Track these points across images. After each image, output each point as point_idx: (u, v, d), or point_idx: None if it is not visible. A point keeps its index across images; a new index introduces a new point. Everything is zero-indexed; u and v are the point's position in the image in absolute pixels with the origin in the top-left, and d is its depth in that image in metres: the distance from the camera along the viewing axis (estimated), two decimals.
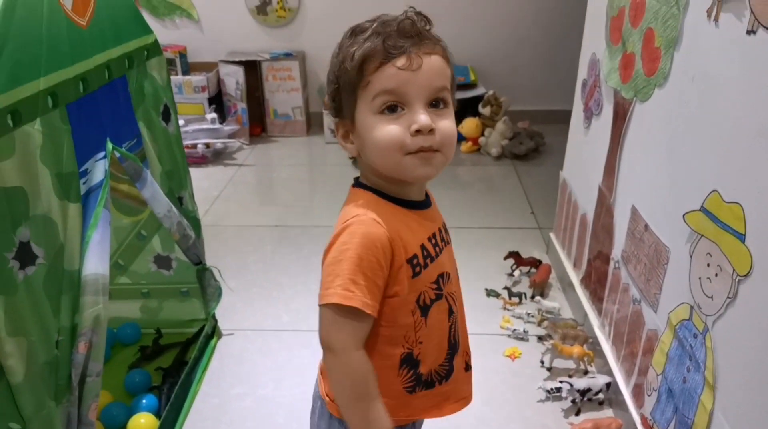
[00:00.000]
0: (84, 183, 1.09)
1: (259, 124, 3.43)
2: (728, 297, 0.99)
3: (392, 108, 0.75)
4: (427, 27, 0.79)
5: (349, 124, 0.80)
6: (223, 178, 2.94)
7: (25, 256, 0.92)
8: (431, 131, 0.75)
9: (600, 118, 1.67)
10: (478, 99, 3.15)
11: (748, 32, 0.95)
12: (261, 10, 3.31)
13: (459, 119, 3.15)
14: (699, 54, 1.13)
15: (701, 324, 1.08)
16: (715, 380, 1.02)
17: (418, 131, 0.74)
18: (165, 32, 3.33)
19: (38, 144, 0.94)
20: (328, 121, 3.26)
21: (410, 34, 0.75)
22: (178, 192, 1.53)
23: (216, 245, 2.17)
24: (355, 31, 0.78)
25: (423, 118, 0.74)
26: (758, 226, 0.92)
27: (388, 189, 0.81)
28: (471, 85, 3.20)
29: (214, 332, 1.79)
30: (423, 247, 0.81)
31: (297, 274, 2.13)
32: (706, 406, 1.04)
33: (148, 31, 1.36)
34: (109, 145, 1.16)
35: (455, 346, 0.87)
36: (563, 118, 3.31)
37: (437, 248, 0.83)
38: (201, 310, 1.77)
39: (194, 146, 3.01)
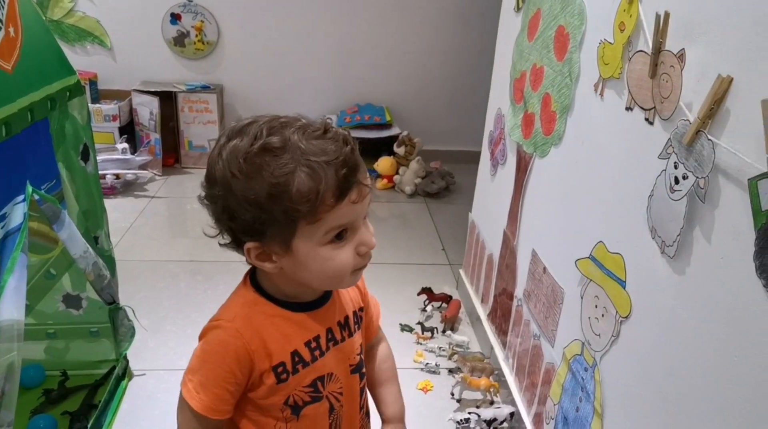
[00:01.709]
0: (2, 227, 1.07)
1: (172, 155, 3.37)
2: (612, 336, 1.13)
3: (340, 235, 0.74)
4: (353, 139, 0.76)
5: (276, 248, 0.74)
6: (134, 209, 2.86)
7: None
8: None
9: (505, 167, 1.83)
10: (393, 138, 3.29)
11: (627, 108, 1.12)
12: (178, 42, 3.30)
13: (375, 157, 3.28)
14: (588, 121, 1.29)
15: (591, 359, 1.22)
16: (603, 410, 1.16)
17: (365, 252, 0.76)
18: (75, 57, 3.22)
19: None
20: None
21: (356, 163, 0.73)
22: (95, 231, 1.51)
23: (127, 281, 2.10)
24: (268, 149, 0.70)
25: (372, 239, 0.76)
26: (636, 275, 1.07)
27: (284, 294, 0.81)
28: (387, 125, 3.34)
29: (125, 373, 1.74)
30: (295, 353, 0.80)
31: (212, 311, 2.06)
32: None
33: (71, 71, 1.36)
34: (29, 189, 1.14)
35: None
36: (472, 158, 3.53)
37: (317, 352, 0.82)
38: (111, 350, 1.73)
39: (103, 177, 2.91)
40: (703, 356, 0.87)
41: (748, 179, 0.76)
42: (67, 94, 1.33)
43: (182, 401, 0.80)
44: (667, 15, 0.96)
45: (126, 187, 3.02)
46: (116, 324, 1.65)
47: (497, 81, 1.96)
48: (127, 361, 1.75)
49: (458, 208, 3.07)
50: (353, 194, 0.72)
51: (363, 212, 0.76)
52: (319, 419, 0.84)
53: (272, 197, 0.69)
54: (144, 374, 1.78)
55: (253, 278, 0.84)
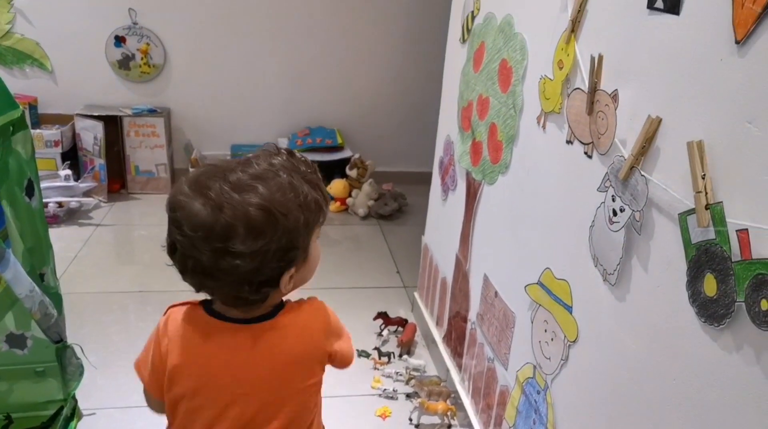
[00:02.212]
0: None
1: (118, 181, 3.29)
2: (562, 359, 1.18)
3: None
4: None
5: (300, 262, 0.82)
6: (78, 238, 2.77)
7: None
8: None
9: (455, 193, 1.88)
10: (345, 161, 3.32)
11: (567, 142, 1.18)
12: (123, 65, 3.24)
13: (328, 180, 3.30)
14: (532, 151, 1.35)
15: (543, 382, 1.26)
16: None
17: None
18: (12, 81, 3.11)
19: None
20: None
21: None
22: (40, 268, 1.46)
23: (72, 315, 2.01)
24: (278, 171, 0.79)
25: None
26: (582, 300, 1.12)
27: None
28: (338, 148, 3.37)
29: (74, 413, 1.68)
30: None
31: None
32: None
33: (14, 105, 1.32)
34: None
35: None
36: (423, 179, 3.60)
37: None
38: (58, 390, 1.66)
39: (45, 205, 2.81)
40: (644, 378, 0.92)
41: (679, 214, 0.82)
42: (11, 128, 1.30)
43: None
44: (600, 57, 1.03)
45: (70, 216, 2.93)
46: (64, 363, 1.60)
47: (445, 108, 2.02)
48: (76, 401, 1.68)
49: (411, 229, 3.12)
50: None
51: None
52: None
53: (305, 220, 0.79)
54: (94, 413, 1.73)
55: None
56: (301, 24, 3.35)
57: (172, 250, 0.81)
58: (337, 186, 3.25)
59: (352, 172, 3.27)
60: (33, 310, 1.38)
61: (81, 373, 1.66)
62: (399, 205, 3.25)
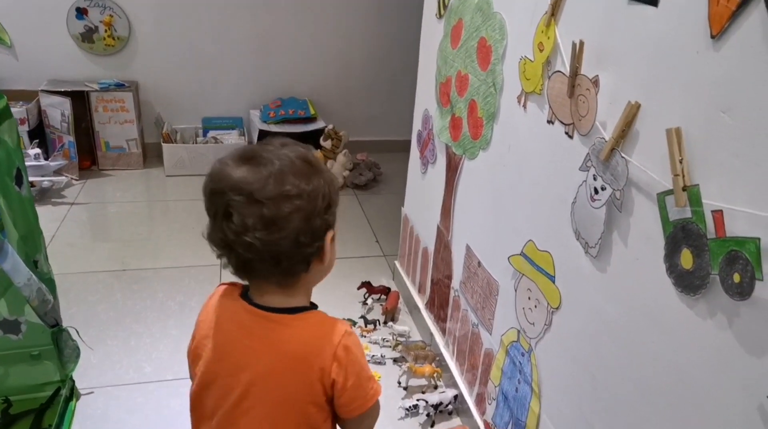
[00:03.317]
0: None
1: (88, 158, 3.23)
2: (545, 324, 1.27)
3: None
4: None
5: (323, 254, 0.85)
6: (54, 218, 2.74)
7: None
8: None
9: (435, 166, 1.94)
10: (318, 132, 3.33)
11: (548, 121, 1.24)
12: (86, 38, 3.14)
13: None
14: (513, 129, 1.42)
15: (527, 345, 1.36)
16: (540, 390, 1.31)
17: None
18: None
19: None
20: (170, 152, 3.20)
21: None
22: (34, 255, 1.48)
23: (58, 296, 2.05)
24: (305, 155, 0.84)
25: None
26: (564, 271, 1.21)
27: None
28: (311, 119, 3.37)
29: (73, 394, 1.72)
30: None
31: (154, 321, 2.10)
32: (535, 410, 1.32)
33: None
34: None
35: None
36: (396, 147, 3.67)
37: None
38: (54, 371, 1.69)
39: None
40: (624, 341, 1.02)
41: (657, 194, 0.90)
42: None
43: (377, 404, 0.91)
44: (582, 43, 1.09)
45: (42, 195, 2.88)
46: (60, 346, 1.62)
47: (422, 83, 2.05)
48: (73, 382, 1.72)
49: (387, 198, 3.18)
50: None
51: None
52: None
53: (334, 192, 0.85)
54: (92, 392, 1.77)
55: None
56: None
57: (219, 246, 0.83)
58: None
59: (326, 143, 3.29)
60: (31, 298, 1.40)
61: (78, 355, 1.69)
62: (374, 174, 3.30)
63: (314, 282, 0.90)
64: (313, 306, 0.91)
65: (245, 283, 0.90)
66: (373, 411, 0.90)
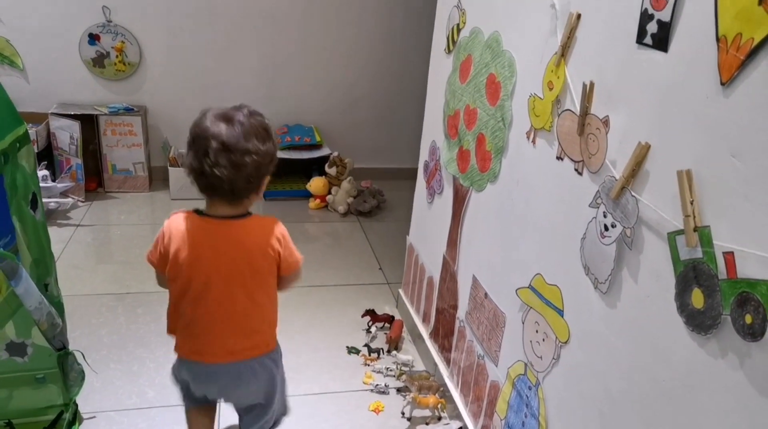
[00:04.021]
0: None
1: (94, 180, 3.26)
2: (553, 358, 1.28)
3: None
4: None
5: (262, 187, 1.26)
6: (59, 239, 2.75)
7: None
8: None
9: (442, 197, 1.96)
10: (324, 159, 3.37)
11: (558, 158, 1.27)
12: (98, 63, 3.20)
13: (307, 177, 3.35)
14: (522, 164, 1.44)
15: (534, 378, 1.37)
16: (547, 424, 1.31)
17: None
18: None
19: None
20: (176, 176, 3.22)
21: None
22: (44, 279, 1.49)
23: None
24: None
25: None
26: (573, 305, 1.22)
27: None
28: (317, 146, 3.41)
29: (75, 418, 1.71)
30: None
31: (157, 345, 2.10)
32: None
33: (20, 121, 1.34)
34: None
35: None
36: (400, 175, 3.71)
37: None
38: (58, 395, 1.69)
39: None
40: (634, 378, 1.02)
41: (668, 233, 0.92)
42: (17, 145, 1.32)
43: (300, 267, 1.34)
44: (592, 84, 1.12)
45: (48, 217, 2.89)
46: (66, 369, 1.62)
47: (430, 114, 2.09)
48: (77, 406, 1.72)
49: (390, 225, 3.20)
50: None
51: None
52: None
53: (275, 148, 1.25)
54: (94, 417, 1.76)
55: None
56: (277, 21, 3.36)
57: (195, 172, 1.19)
58: (316, 184, 3.31)
59: (331, 170, 3.33)
60: (41, 321, 1.41)
61: (82, 379, 1.69)
62: (378, 201, 3.32)
63: (251, 203, 1.28)
64: (249, 213, 1.29)
65: (191, 210, 1.28)
66: (299, 272, 1.35)
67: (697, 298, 0.85)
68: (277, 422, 1.53)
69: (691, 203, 0.86)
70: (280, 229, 1.30)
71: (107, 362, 2.00)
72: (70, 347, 1.65)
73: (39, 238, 1.44)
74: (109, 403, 1.83)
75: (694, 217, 0.85)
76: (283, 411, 1.54)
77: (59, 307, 1.56)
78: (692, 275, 0.86)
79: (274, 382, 1.40)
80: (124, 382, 1.92)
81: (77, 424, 1.71)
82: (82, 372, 1.68)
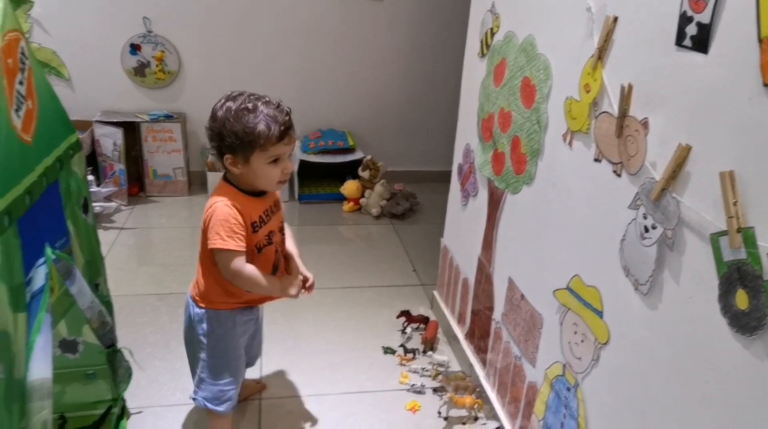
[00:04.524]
0: (28, 291, 1.11)
1: (136, 185, 3.37)
2: (593, 359, 1.28)
3: (275, 160, 1.39)
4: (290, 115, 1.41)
5: (239, 160, 1.38)
6: (104, 242, 2.80)
7: None
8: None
9: (477, 199, 1.98)
10: (357, 163, 3.41)
11: (595, 160, 1.28)
12: (139, 72, 3.30)
13: (341, 181, 3.40)
14: (558, 166, 1.45)
15: (573, 380, 1.37)
16: (587, 425, 1.31)
17: (286, 173, 1.43)
18: None
19: None
20: (213, 180, 3.30)
21: (290, 125, 1.39)
22: (95, 279, 1.55)
23: None
24: (247, 109, 1.35)
25: (292, 166, 1.48)
26: (612, 307, 1.22)
27: (245, 187, 1.44)
28: (350, 149, 3.45)
29: (123, 413, 1.78)
30: (259, 216, 1.45)
31: None
32: None
33: (72, 129, 1.41)
34: (48, 251, 1.19)
35: (276, 268, 1.56)
36: (432, 177, 3.73)
37: (267, 217, 1.48)
38: (107, 390, 1.76)
39: None
40: (675, 380, 1.03)
41: (710, 234, 0.92)
42: (70, 152, 1.38)
43: (221, 252, 1.39)
44: (630, 87, 1.13)
45: None
46: (115, 366, 1.69)
47: (464, 118, 2.11)
48: (124, 401, 1.78)
49: (424, 227, 3.22)
50: (286, 140, 1.38)
51: (289, 151, 1.42)
52: (269, 255, 1.52)
53: (245, 133, 1.34)
54: (141, 412, 1.82)
55: (226, 180, 1.46)
56: (311, 28, 3.42)
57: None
58: (350, 187, 3.35)
59: (365, 174, 3.36)
60: (92, 320, 1.47)
61: (130, 375, 1.75)
62: (410, 204, 3.35)
63: (243, 181, 1.43)
64: (227, 180, 1.46)
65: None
66: (218, 254, 1.41)
67: (742, 300, 0.85)
68: (203, 398, 1.63)
69: (734, 204, 0.86)
70: (210, 211, 1.40)
71: (152, 359, 2.06)
72: (118, 345, 1.72)
73: (90, 240, 1.50)
74: (155, 398, 1.89)
75: (738, 218, 0.85)
76: (206, 394, 1.62)
77: (109, 306, 1.62)
78: (736, 276, 0.86)
79: (190, 327, 1.60)
80: (169, 378, 1.99)
81: (125, 418, 1.78)
82: (130, 369, 1.74)
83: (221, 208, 1.39)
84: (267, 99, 1.39)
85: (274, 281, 1.49)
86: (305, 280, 1.60)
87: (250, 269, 1.42)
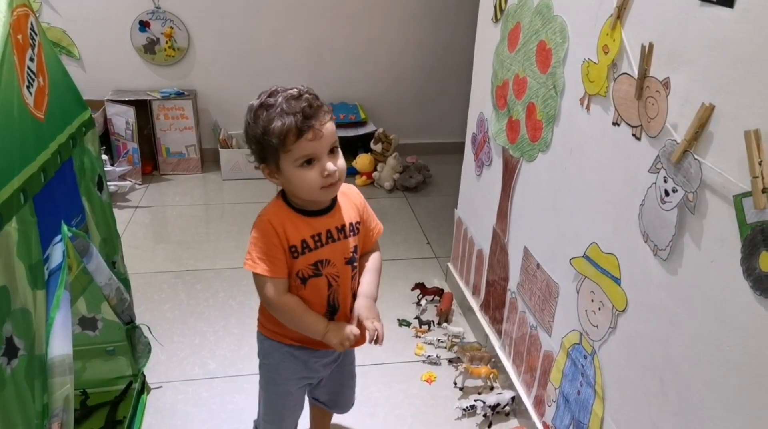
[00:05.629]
0: (46, 268, 1.12)
1: (150, 163, 3.37)
2: (610, 327, 1.27)
3: (309, 161, 1.11)
4: (318, 102, 1.12)
5: (273, 169, 1.15)
6: (120, 221, 2.81)
7: (10, 351, 0.95)
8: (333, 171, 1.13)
9: (491, 169, 1.95)
10: (369, 136, 3.38)
11: (614, 124, 1.24)
12: (149, 50, 3.28)
13: (353, 155, 3.37)
14: (575, 132, 1.42)
15: (590, 347, 1.36)
16: (604, 392, 1.30)
17: (327, 175, 1.11)
18: None
19: (15, 241, 0.98)
20: (226, 157, 3.30)
21: (311, 115, 1.08)
22: (112, 257, 1.56)
23: None
24: (264, 106, 1.10)
25: (330, 166, 1.12)
26: (631, 273, 1.20)
27: (295, 203, 1.20)
28: (362, 123, 3.42)
29: (144, 388, 1.81)
30: (303, 241, 1.18)
31: (216, 319, 2.18)
32: (598, 413, 1.32)
33: (85, 107, 1.40)
34: (65, 228, 1.20)
35: (334, 307, 1.26)
36: (444, 149, 3.70)
37: (318, 243, 1.20)
38: (127, 366, 1.79)
39: None
40: (696, 344, 1.01)
41: (734, 196, 0.90)
42: (83, 129, 1.38)
43: (253, 275, 1.18)
44: (651, 46, 1.09)
45: None
46: (134, 342, 1.71)
47: (477, 86, 2.07)
48: (144, 376, 1.81)
49: (437, 200, 3.20)
50: (309, 134, 1.08)
51: (323, 147, 1.11)
52: (319, 290, 1.22)
53: (262, 136, 1.10)
54: (160, 387, 1.85)
55: (283, 195, 1.22)
56: (321, 2, 3.36)
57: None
58: (362, 160, 3.33)
59: (377, 147, 3.34)
60: (110, 297, 1.48)
61: (149, 351, 1.78)
62: (423, 176, 3.32)
63: (290, 193, 1.19)
64: (281, 194, 1.22)
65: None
66: (253, 277, 1.20)
67: (765, 262, 0.83)
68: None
69: (760, 164, 0.83)
70: (256, 224, 1.21)
71: (171, 335, 2.09)
72: (137, 321, 1.74)
73: (106, 218, 1.51)
74: (174, 373, 1.92)
75: (763, 178, 0.82)
76: (258, 422, 1.45)
77: (126, 284, 1.63)
78: (760, 238, 0.84)
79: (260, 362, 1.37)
80: (188, 354, 2.01)
81: (146, 393, 1.81)
82: (149, 345, 1.77)
83: (258, 224, 1.18)
84: (292, 90, 1.11)
85: (318, 322, 1.21)
86: (363, 331, 1.23)
87: (286, 301, 1.19)
